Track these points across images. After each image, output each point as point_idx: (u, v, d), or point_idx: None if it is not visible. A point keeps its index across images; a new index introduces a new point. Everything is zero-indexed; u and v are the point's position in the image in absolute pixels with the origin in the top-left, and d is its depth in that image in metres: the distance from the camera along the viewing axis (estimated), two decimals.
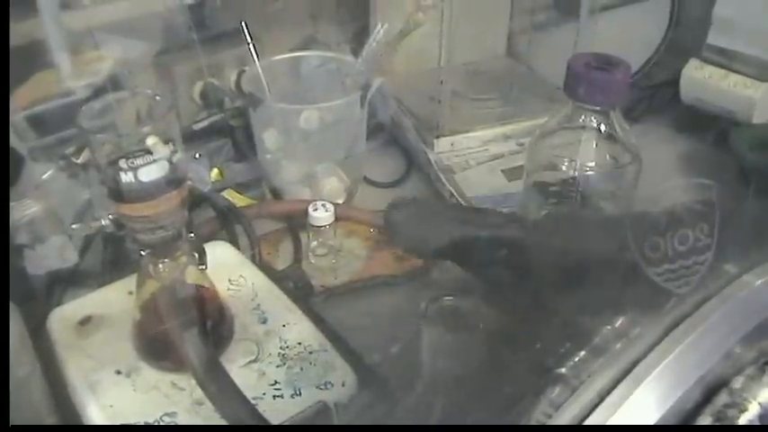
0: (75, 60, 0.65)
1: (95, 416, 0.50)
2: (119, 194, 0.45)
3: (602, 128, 0.60)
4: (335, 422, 0.51)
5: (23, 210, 0.56)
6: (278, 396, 0.51)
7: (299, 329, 0.57)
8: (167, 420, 0.49)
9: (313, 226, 0.70)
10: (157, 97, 0.49)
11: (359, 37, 0.93)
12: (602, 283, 0.40)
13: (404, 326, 0.58)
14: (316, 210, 0.70)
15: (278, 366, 0.54)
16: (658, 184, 0.41)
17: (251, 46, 0.78)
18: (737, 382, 0.34)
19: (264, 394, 0.51)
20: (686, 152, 0.90)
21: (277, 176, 0.80)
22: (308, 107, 0.74)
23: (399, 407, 0.41)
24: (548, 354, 0.35)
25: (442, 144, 0.85)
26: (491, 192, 0.79)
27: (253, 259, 0.68)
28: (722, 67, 0.86)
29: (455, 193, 0.78)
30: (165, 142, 0.46)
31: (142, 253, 0.50)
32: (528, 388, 0.34)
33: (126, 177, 0.44)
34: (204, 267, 0.53)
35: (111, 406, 0.50)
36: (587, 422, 0.31)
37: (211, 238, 0.69)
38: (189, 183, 0.49)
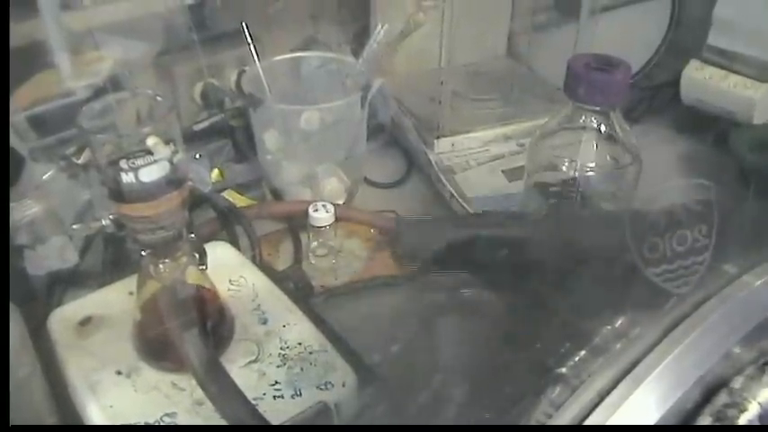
0: (76, 61, 0.65)
1: (96, 416, 0.50)
2: (119, 195, 0.45)
3: (603, 128, 0.60)
4: (336, 422, 0.51)
5: (24, 210, 0.56)
6: (278, 396, 0.51)
7: (299, 330, 0.57)
8: (167, 421, 0.49)
9: (313, 226, 0.70)
10: (158, 98, 0.49)
11: (359, 37, 0.93)
12: (602, 279, 0.40)
13: (404, 326, 0.58)
14: (316, 210, 0.70)
15: (278, 367, 0.54)
16: (657, 185, 0.41)
17: (251, 46, 0.78)
18: (737, 382, 0.34)
19: (265, 394, 0.51)
20: (686, 153, 0.90)
21: (277, 177, 0.80)
22: (308, 108, 0.74)
23: (419, 397, 0.40)
24: (548, 353, 0.35)
25: (443, 145, 0.85)
26: (492, 192, 0.79)
27: (253, 260, 0.68)
28: (722, 67, 0.86)
29: (455, 194, 0.78)
30: (166, 143, 0.46)
31: (143, 253, 0.50)
32: (528, 388, 0.34)
33: (126, 178, 0.44)
34: (204, 268, 0.53)
35: (111, 406, 0.50)
36: (587, 422, 0.31)
37: (212, 238, 0.69)
38: (189, 183, 0.49)
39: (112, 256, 0.68)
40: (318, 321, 0.58)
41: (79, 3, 0.71)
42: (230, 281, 0.61)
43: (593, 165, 0.61)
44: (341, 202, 0.79)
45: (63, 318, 0.57)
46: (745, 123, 0.84)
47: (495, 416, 0.35)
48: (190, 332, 0.47)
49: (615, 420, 0.31)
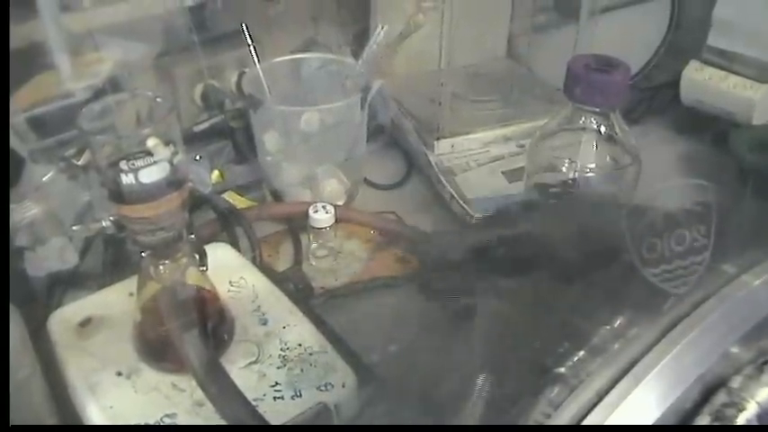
0: (76, 62, 0.65)
1: (96, 417, 0.50)
2: (119, 196, 0.45)
3: (602, 129, 0.60)
4: (336, 423, 0.51)
5: (24, 211, 0.56)
6: (278, 397, 0.51)
7: (299, 331, 0.57)
8: (168, 421, 0.49)
9: (313, 228, 0.70)
10: (158, 99, 0.49)
11: (359, 39, 0.93)
12: (603, 276, 0.40)
13: (404, 327, 0.58)
14: (316, 212, 0.70)
15: (278, 368, 0.54)
16: (656, 185, 0.41)
17: (251, 48, 0.78)
18: (736, 382, 0.34)
19: (265, 395, 0.51)
20: (686, 153, 0.90)
21: (277, 178, 0.80)
22: (308, 109, 0.74)
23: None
24: (547, 353, 0.35)
25: (443, 146, 0.85)
26: (492, 193, 0.79)
27: (253, 261, 0.68)
28: (722, 68, 0.86)
29: (455, 195, 0.78)
30: (166, 144, 0.46)
31: (143, 254, 0.50)
32: (527, 387, 0.34)
33: (126, 179, 0.45)
34: (205, 269, 0.53)
35: (111, 407, 0.50)
36: (586, 422, 0.31)
37: (212, 239, 0.69)
38: (189, 184, 0.49)
39: (112, 258, 0.68)
40: (318, 322, 0.58)
41: (79, 4, 0.71)
42: (230, 282, 0.61)
43: (592, 165, 0.61)
44: (341, 203, 0.79)
45: (63, 319, 0.57)
46: (745, 124, 0.84)
47: (495, 415, 0.35)
48: (190, 333, 0.47)
49: (614, 420, 0.31)
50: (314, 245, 0.72)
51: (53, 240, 0.59)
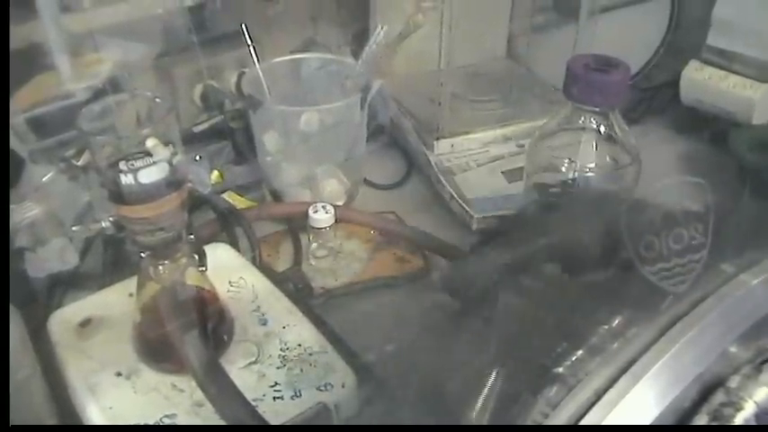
0: (75, 63, 0.65)
1: (95, 417, 0.50)
2: (119, 196, 0.46)
3: (602, 129, 0.60)
4: (335, 423, 0.51)
5: (24, 212, 0.56)
6: (278, 397, 0.51)
7: (299, 331, 0.57)
8: (167, 422, 0.49)
9: (313, 228, 0.70)
10: (157, 99, 0.50)
11: (359, 39, 0.93)
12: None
13: (404, 327, 0.58)
14: (316, 212, 0.70)
15: (278, 368, 0.54)
16: (654, 184, 0.41)
17: (251, 48, 0.78)
18: (734, 381, 0.34)
19: (264, 396, 0.51)
20: (686, 153, 0.90)
21: (277, 178, 0.80)
22: (308, 109, 0.74)
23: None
24: (547, 353, 0.35)
25: (443, 146, 0.85)
26: (491, 193, 0.79)
27: (253, 261, 0.68)
28: (722, 68, 0.86)
29: (455, 195, 0.78)
30: (165, 144, 0.46)
31: (142, 255, 0.50)
32: (526, 387, 0.34)
33: (126, 179, 0.45)
34: (204, 269, 0.53)
35: (111, 408, 0.50)
36: (584, 421, 0.31)
37: (212, 240, 0.69)
38: (189, 185, 0.49)
39: (112, 258, 0.68)
40: (318, 322, 0.58)
41: (79, 5, 0.71)
42: (230, 282, 0.61)
43: (592, 165, 0.61)
44: (341, 203, 0.79)
45: (63, 319, 0.57)
46: (745, 123, 0.84)
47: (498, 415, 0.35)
48: (189, 333, 0.47)
49: (612, 419, 0.31)
50: (314, 245, 0.72)
51: (53, 241, 0.59)
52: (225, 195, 0.79)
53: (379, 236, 0.76)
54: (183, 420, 0.49)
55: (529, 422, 0.32)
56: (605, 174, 0.61)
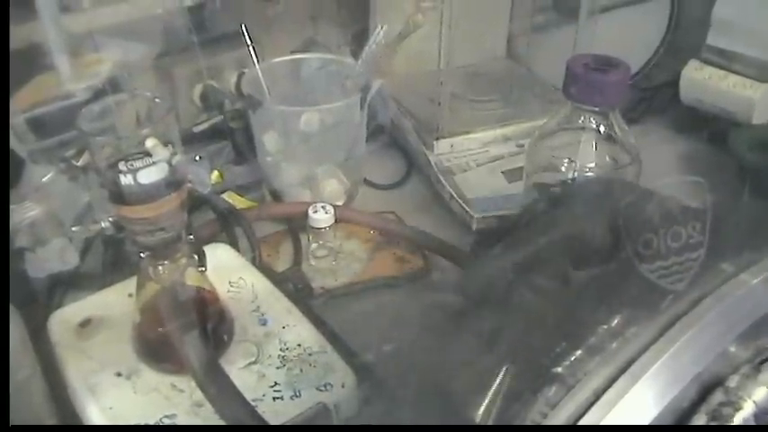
0: (75, 63, 0.65)
1: (95, 417, 0.50)
2: (119, 197, 0.46)
3: (602, 129, 0.60)
4: (335, 423, 0.51)
5: (24, 212, 0.56)
6: (278, 398, 0.51)
7: (298, 331, 0.57)
8: (167, 422, 0.49)
9: (313, 228, 0.70)
10: (157, 99, 0.50)
11: (359, 39, 0.93)
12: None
13: (404, 327, 0.58)
14: (316, 212, 0.70)
15: (278, 368, 0.54)
16: (652, 182, 0.41)
17: (251, 48, 0.78)
18: (733, 381, 0.34)
19: (264, 396, 0.51)
20: (686, 153, 0.90)
21: (277, 179, 0.80)
22: (308, 109, 0.74)
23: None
24: (545, 353, 0.35)
25: (442, 146, 0.85)
26: (491, 193, 0.79)
27: (253, 261, 0.68)
28: (722, 68, 0.86)
29: (455, 195, 0.79)
30: (165, 144, 0.46)
31: (142, 255, 0.50)
32: (524, 387, 0.34)
33: (126, 180, 0.45)
34: (204, 269, 0.53)
35: (110, 408, 0.50)
36: (583, 421, 0.31)
37: (211, 240, 0.69)
38: (188, 185, 0.49)
39: (112, 258, 0.68)
40: (318, 323, 0.58)
41: (79, 5, 0.71)
42: (230, 282, 0.61)
43: (592, 165, 0.61)
44: (340, 203, 0.79)
45: (63, 319, 0.57)
46: (745, 123, 0.84)
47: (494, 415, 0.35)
48: (189, 334, 0.47)
49: (611, 418, 0.31)
50: (313, 245, 0.72)
51: (53, 241, 0.59)
52: (225, 195, 0.79)
53: (379, 236, 0.76)
54: (182, 420, 0.49)
55: (528, 422, 0.32)
56: (605, 173, 0.61)
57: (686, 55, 0.90)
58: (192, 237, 0.51)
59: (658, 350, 0.33)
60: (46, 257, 0.59)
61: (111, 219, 0.52)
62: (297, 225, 0.76)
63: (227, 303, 0.58)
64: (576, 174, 0.61)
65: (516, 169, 0.80)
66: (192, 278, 0.53)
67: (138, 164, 0.45)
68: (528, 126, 0.86)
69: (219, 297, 0.56)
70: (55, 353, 0.55)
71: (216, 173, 0.82)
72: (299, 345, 0.56)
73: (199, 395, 0.48)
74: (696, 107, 0.89)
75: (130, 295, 0.56)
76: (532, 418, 0.32)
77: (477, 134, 0.86)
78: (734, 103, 0.85)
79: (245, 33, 0.77)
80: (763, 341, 0.36)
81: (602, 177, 0.61)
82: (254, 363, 0.54)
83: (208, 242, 0.66)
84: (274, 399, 0.51)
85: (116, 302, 0.58)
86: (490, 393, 0.36)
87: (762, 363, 0.35)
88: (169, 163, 0.46)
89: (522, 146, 0.85)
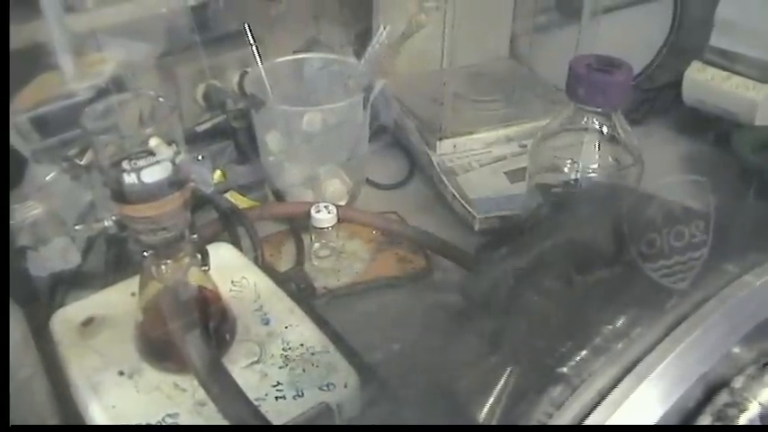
0: (79, 62, 0.65)
1: (98, 416, 0.50)
2: (121, 196, 0.46)
3: (605, 130, 0.60)
4: (338, 423, 0.51)
5: (26, 211, 0.56)
6: (280, 397, 0.51)
7: (301, 331, 0.57)
8: (170, 421, 0.49)
9: (315, 228, 0.70)
10: (160, 99, 0.50)
11: (361, 39, 0.93)
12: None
13: (407, 327, 0.58)
14: (318, 212, 0.70)
15: (280, 368, 0.54)
16: (654, 182, 0.41)
17: (254, 48, 0.78)
18: (738, 382, 0.34)
19: (267, 395, 0.51)
20: (688, 154, 0.90)
21: (279, 178, 0.80)
22: (310, 109, 0.74)
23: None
24: (550, 353, 0.35)
25: (445, 146, 0.85)
26: (494, 194, 0.79)
27: (255, 261, 0.68)
28: (724, 69, 0.86)
29: (457, 195, 0.79)
30: (168, 144, 0.46)
31: (145, 254, 0.50)
32: (529, 387, 0.34)
33: (129, 179, 0.45)
34: (207, 269, 0.53)
35: (113, 407, 0.50)
36: (588, 421, 0.31)
37: (214, 239, 0.69)
38: (191, 184, 0.49)
39: (115, 257, 0.68)
40: (320, 322, 0.58)
41: (82, 5, 0.71)
42: (232, 282, 0.61)
43: (595, 166, 0.61)
44: (343, 203, 0.79)
45: (65, 318, 0.57)
46: (747, 124, 0.84)
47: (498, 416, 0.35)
48: (192, 333, 0.47)
49: (616, 419, 0.31)
50: (316, 245, 0.72)
51: (56, 240, 0.59)
52: (227, 195, 0.79)
53: (382, 236, 0.76)
54: (185, 420, 0.49)
55: (533, 422, 0.32)
56: (608, 174, 0.61)
57: (689, 56, 0.89)
58: (195, 236, 0.51)
59: (663, 350, 0.33)
60: (48, 256, 0.59)
61: (113, 218, 0.52)
62: (299, 225, 0.76)
63: (230, 303, 0.58)
64: (578, 175, 0.61)
65: (519, 170, 0.80)
66: (194, 277, 0.53)
67: (141, 163, 0.45)
68: (530, 126, 0.86)
69: (222, 296, 0.56)
70: (57, 352, 0.55)
71: (218, 172, 0.82)
72: (302, 344, 0.56)
73: (201, 394, 0.48)
74: (699, 108, 0.89)
75: (133, 294, 0.56)
76: (537, 418, 0.32)
77: (480, 134, 0.86)
78: (736, 105, 0.85)
79: (248, 33, 0.77)
80: None
81: (605, 183, 0.61)
82: (257, 362, 0.54)
83: (210, 241, 0.65)
84: (277, 398, 0.51)
85: (119, 301, 0.58)
86: (494, 393, 0.36)
87: (767, 364, 0.35)
88: (173, 162, 0.46)
89: (525, 146, 0.85)
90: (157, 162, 0.45)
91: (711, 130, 0.88)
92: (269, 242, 0.74)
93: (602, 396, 0.31)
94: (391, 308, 0.68)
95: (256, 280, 0.62)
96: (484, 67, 1.02)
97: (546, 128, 0.63)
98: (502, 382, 0.36)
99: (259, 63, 0.78)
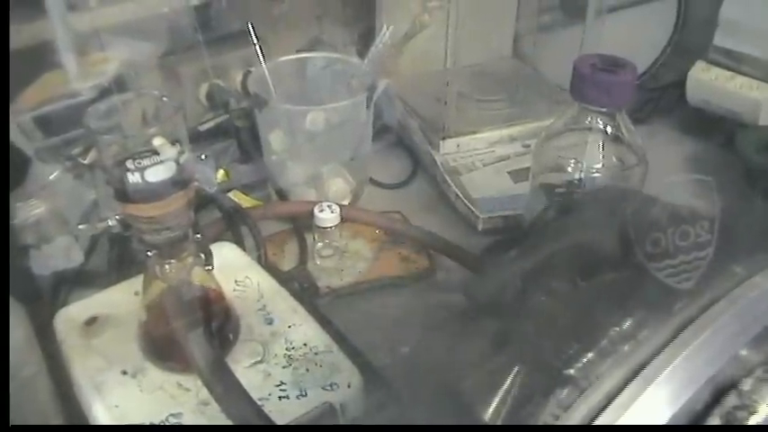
0: (82, 62, 0.65)
1: (101, 416, 0.50)
2: (125, 195, 0.45)
3: (609, 129, 0.60)
4: (341, 423, 0.51)
5: (30, 210, 0.56)
6: (284, 397, 0.51)
7: (304, 330, 0.57)
8: (173, 421, 0.49)
9: (319, 227, 0.70)
10: (164, 98, 0.49)
11: (365, 38, 0.93)
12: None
13: (410, 327, 0.58)
14: (321, 211, 0.70)
15: (284, 367, 0.54)
16: (659, 181, 0.41)
17: (257, 47, 0.78)
18: (746, 384, 0.34)
19: (270, 395, 0.51)
20: (692, 154, 0.90)
21: (283, 178, 0.80)
22: (313, 108, 0.74)
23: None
24: (557, 355, 0.35)
25: (448, 145, 0.85)
26: (497, 193, 0.79)
27: (258, 260, 0.68)
28: (728, 68, 0.86)
29: (461, 195, 0.78)
30: (172, 143, 0.46)
31: (148, 254, 0.50)
32: (536, 389, 0.34)
33: (132, 178, 0.44)
34: (210, 268, 0.53)
35: (116, 406, 0.50)
36: (596, 423, 0.31)
37: (217, 239, 0.69)
38: (195, 184, 0.49)
39: (118, 257, 0.68)
40: (324, 322, 0.58)
41: (85, 4, 0.71)
42: (236, 281, 0.61)
43: (599, 166, 0.61)
44: (346, 202, 0.79)
45: (69, 317, 0.57)
46: (752, 124, 0.84)
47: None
48: (195, 332, 0.47)
49: (625, 421, 0.30)
50: (319, 244, 0.72)
51: (59, 239, 0.59)
52: (230, 194, 0.79)
53: (385, 235, 0.75)
54: (188, 419, 0.49)
55: (540, 423, 0.32)
56: (612, 174, 0.61)
57: (693, 55, 0.89)
58: (198, 235, 0.51)
59: (671, 352, 0.33)
60: (51, 255, 0.59)
61: (117, 217, 0.52)
62: (302, 224, 0.76)
63: (233, 302, 0.58)
64: (582, 174, 0.61)
65: (522, 170, 0.80)
66: (198, 277, 0.53)
67: (145, 162, 0.45)
68: (534, 126, 0.86)
69: (225, 296, 0.56)
70: (61, 350, 0.55)
71: (222, 172, 0.82)
72: (305, 344, 0.55)
73: (205, 394, 0.48)
74: (703, 108, 0.89)
75: (137, 294, 0.56)
76: (544, 419, 0.32)
77: (484, 134, 0.86)
78: (740, 105, 0.85)
79: (252, 32, 0.77)
80: None
81: (611, 186, 0.60)
82: (260, 362, 0.54)
83: (214, 241, 0.65)
84: (280, 398, 0.51)
85: (122, 301, 0.58)
86: (500, 393, 0.36)
87: None
88: (177, 162, 0.45)
89: (529, 146, 0.85)
90: (161, 162, 0.45)
91: (715, 129, 0.88)
92: (272, 241, 0.74)
93: (610, 398, 0.31)
94: (394, 307, 0.68)
95: (259, 279, 0.62)
96: (487, 66, 1.01)
97: (550, 128, 0.63)
98: (508, 382, 0.36)
99: (262, 62, 0.78)
